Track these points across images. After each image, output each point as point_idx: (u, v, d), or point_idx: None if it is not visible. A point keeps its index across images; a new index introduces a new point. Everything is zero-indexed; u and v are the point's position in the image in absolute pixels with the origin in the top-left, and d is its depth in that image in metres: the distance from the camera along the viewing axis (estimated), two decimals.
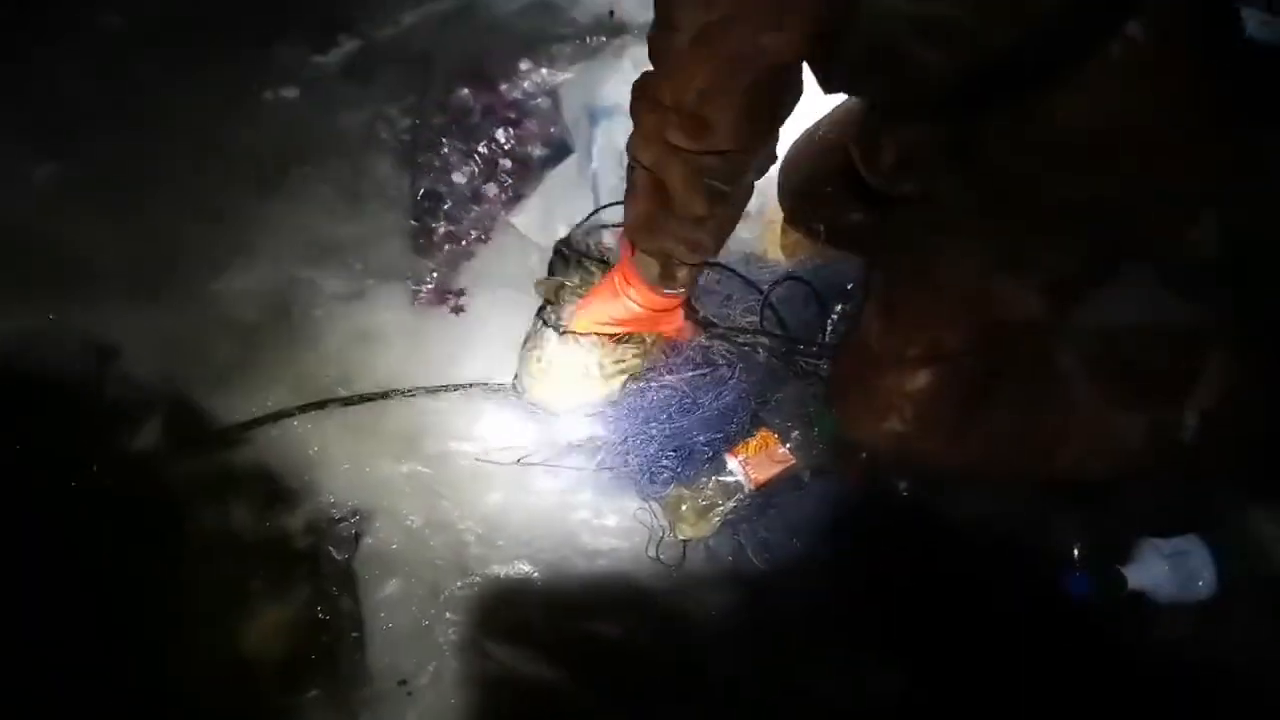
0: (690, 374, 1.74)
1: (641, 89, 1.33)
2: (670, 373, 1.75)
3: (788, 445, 1.65)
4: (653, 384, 1.74)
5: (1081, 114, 1.14)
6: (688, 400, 1.73)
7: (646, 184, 1.40)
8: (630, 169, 1.44)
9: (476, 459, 1.74)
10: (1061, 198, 1.25)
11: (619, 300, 1.57)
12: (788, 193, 1.81)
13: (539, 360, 1.73)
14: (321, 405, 1.79)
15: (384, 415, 1.80)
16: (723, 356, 1.77)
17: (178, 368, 1.85)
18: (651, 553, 1.69)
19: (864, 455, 1.68)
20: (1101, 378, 1.49)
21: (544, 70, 2.36)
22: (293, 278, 1.99)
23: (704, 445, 1.71)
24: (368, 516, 1.68)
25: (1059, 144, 1.19)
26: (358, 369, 1.86)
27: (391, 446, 1.76)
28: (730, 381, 1.74)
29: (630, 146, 1.40)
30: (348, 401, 1.80)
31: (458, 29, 2.48)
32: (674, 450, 1.72)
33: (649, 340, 1.74)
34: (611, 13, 2.53)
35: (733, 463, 1.65)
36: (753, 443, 1.66)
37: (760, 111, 1.32)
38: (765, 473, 1.65)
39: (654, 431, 1.72)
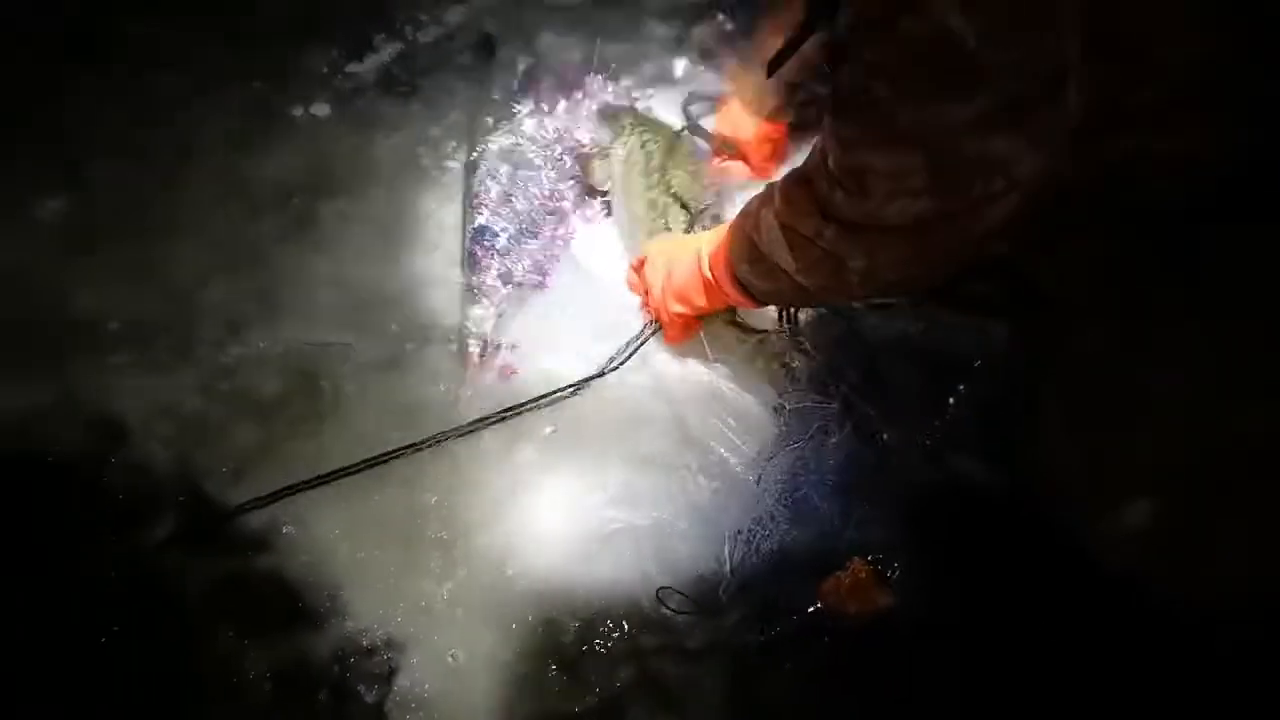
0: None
1: (813, 232, 1.16)
2: None
3: (889, 583, 1.38)
4: None
5: None
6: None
7: (792, 285, 1.27)
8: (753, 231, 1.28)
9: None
10: None
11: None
12: None
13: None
14: (348, 471, 1.57)
15: (425, 518, 1.57)
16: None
17: (192, 452, 1.63)
18: None
19: None
20: None
21: (621, 81, 2.08)
22: (322, 341, 1.75)
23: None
24: (402, 649, 1.45)
25: None
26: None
27: (432, 556, 1.53)
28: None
29: (771, 254, 1.25)
30: (370, 463, 1.58)
31: (513, 27, 2.22)
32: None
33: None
34: (681, 9, 2.25)
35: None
36: (845, 579, 1.39)
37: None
38: (853, 608, 1.39)
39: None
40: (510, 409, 1.62)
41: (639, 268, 1.66)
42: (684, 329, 1.61)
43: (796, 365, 1.56)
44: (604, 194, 1.89)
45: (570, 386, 1.64)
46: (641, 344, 1.66)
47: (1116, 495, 1.25)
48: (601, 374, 1.64)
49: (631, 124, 1.87)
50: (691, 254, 1.50)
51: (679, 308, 1.55)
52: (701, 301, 1.51)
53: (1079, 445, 1.32)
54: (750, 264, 1.33)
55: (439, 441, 1.59)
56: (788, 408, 1.50)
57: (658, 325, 1.64)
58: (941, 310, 1.61)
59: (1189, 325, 1.15)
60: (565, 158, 1.94)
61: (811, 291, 1.27)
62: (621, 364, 1.65)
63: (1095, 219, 1.17)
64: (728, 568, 1.42)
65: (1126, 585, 1.30)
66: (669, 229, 1.70)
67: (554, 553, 1.51)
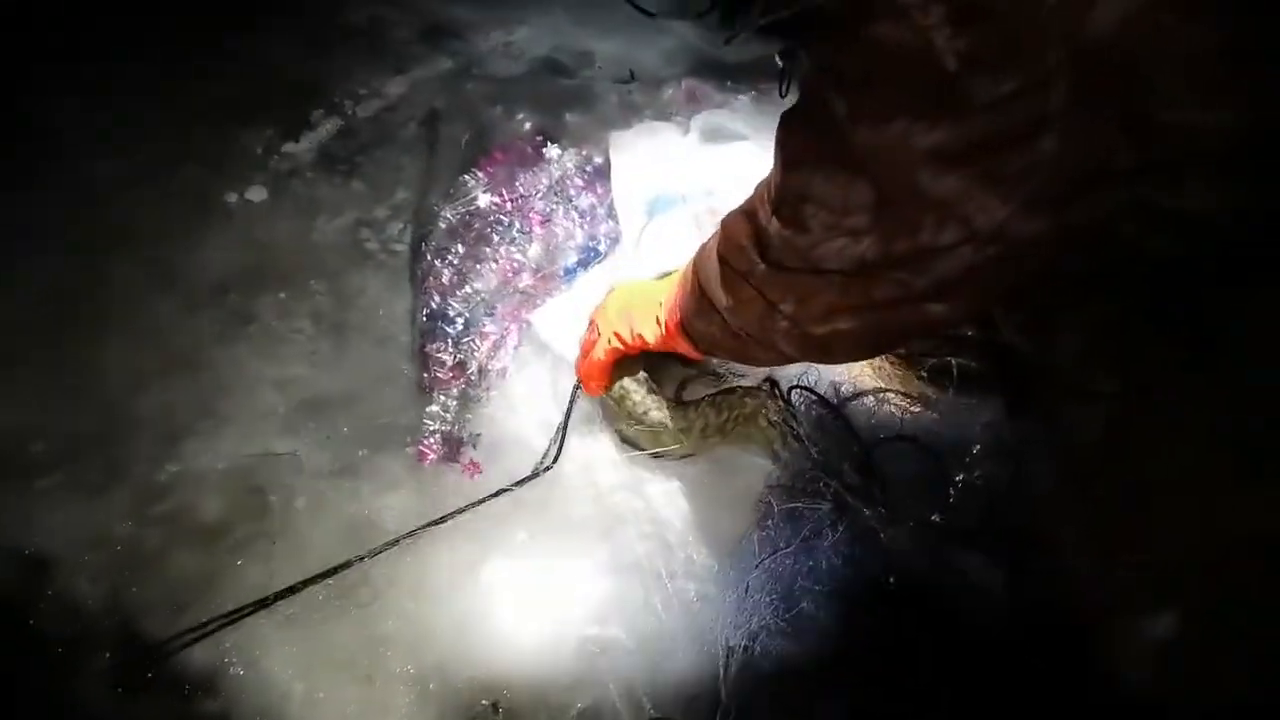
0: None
1: (746, 268, 1.08)
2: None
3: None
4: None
5: None
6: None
7: (724, 330, 1.21)
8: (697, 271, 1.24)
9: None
10: None
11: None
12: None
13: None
14: (293, 590, 1.44)
15: (389, 648, 1.43)
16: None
17: (128, 585, 1.48)
18: None
19: None
20: None
21: (570, 151, 1.98)
22: (267, 453, 1.61)
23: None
24: None
25: None
26: (357, 579, 1.48)
27: (400, 693, 1.39)
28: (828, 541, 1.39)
29: (707, 288, 1.19)
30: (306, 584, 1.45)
31: (454, 100, 2.12)
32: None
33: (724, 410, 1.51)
34: (632, 74, 2.17)
35: None
36: None
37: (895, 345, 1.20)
38: None
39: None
40: (442, 518, 1.51)
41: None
42: (602, 372, 1.51)
43: (784, 460, 1.45)
44: None
45: (502, 490, 1.53)
46: (569, 412, 1.58)
47: (1134, 602, 1.14)
48: (537, 474, 1.55)
49: None
50: (655, 293, 1.43)
51: (619, 328, 1.44)
52: (646, 334, 1.41)
53: (1088, 544, 1.22)
54: (693, 301, 1.25)
55: (377, 554, 1.48)
56: (776, 509, 1.39)
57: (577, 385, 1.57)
58: (933, 391, 1.52)
59: (1197, 406, 1.04)
60: (522, 234, 1.85)
61: (742, 339, 1.19)
62: (560, 448, 1.56)
63: (1083, 285, 1.07)
64: (723, 690, 1.31)
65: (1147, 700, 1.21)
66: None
67: (535, 681, 1.38)
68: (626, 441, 1.57)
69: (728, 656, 1.33)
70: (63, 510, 1.55)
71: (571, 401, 1.58)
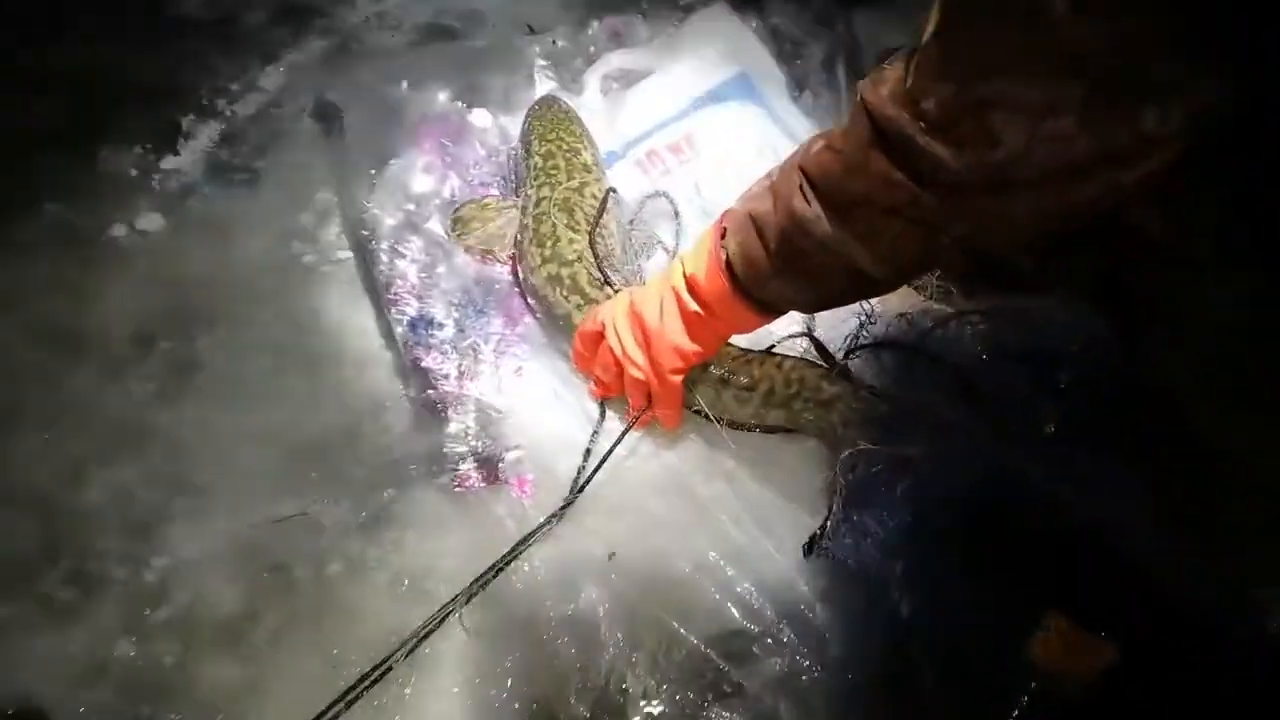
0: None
1: (901, 201, 0.94)
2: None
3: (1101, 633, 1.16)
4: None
5: None
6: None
7: (837, 269, 1.05)
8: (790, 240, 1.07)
9: None
10: None
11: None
12: None
13: None
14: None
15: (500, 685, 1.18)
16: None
17: (153, 716, 1.18)
18: None
19: None
20: None
21: (500, 117, 1.75)
22: (272, 519, 1.32)
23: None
24: None
25: None
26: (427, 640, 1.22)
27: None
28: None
29: (823, 246, 1.03)
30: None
31: (344, 82, 1.83)
32: None
33: None
34: (530, 28, 1.96)
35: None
36: (1053, 639, 1.15)
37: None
38: (1075, 668, 1.15)
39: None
40: (496, 565, 1.25)
41: (592, 338, 1.37)
42: (679, 398, 1.34)
43: (883, 411, 1.30)
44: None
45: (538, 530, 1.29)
46: (615, 445, 1.34)
47: None
48: (571, 502, 1.32)
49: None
50: (667, 293, 1.25)
51: (676, 363, 1.27)
52: (693, 345, 1.25)
53: (1241, 421, 1.15)
54: (775, 269, 1.10)
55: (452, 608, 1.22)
56: (917, 458, 1.24)
57: (633, 418, 1.35)
58: (1001, 297, 1.42)
59: None
60: None
61: (877, 280, 1.05)
62: (590, 477, 1.33)
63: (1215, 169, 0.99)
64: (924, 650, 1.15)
65: None
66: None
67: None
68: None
69: (903, 621, 1.17)
70: (33, 645, 1.23)
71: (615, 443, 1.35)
